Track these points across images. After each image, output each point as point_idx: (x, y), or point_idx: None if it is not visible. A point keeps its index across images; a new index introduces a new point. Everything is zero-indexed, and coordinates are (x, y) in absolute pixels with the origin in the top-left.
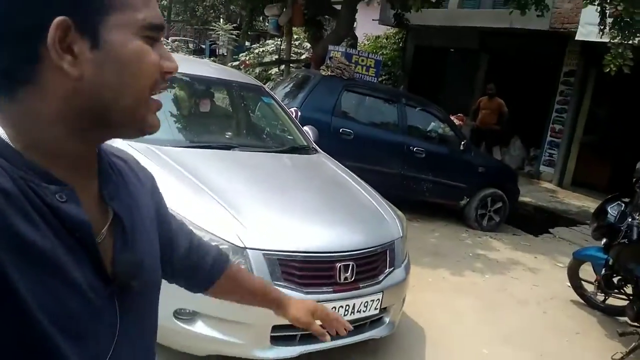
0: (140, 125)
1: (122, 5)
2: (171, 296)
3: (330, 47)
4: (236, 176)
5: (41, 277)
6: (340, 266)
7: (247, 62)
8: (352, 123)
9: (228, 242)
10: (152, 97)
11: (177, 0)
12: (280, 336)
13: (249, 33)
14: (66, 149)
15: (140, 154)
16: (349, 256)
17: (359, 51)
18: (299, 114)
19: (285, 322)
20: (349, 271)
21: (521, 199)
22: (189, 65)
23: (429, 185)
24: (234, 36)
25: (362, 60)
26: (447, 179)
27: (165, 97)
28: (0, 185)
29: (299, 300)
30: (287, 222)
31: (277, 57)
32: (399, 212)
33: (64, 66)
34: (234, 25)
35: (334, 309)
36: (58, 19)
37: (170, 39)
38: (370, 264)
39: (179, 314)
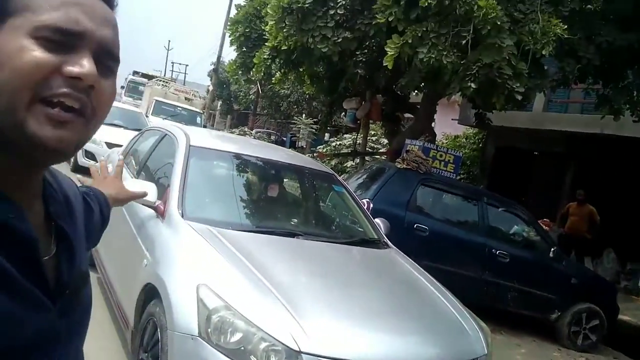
0: (20, 134)
1: (22, 9)
2: None
3: (407, 141)
4: (297, 268)
5: None
6: None
7: (324, 153)
8: (427, 219)
9: (281, 343)
10: (53, 108)
11: (264, 96)
12: None
13: (327, 127)
14: (3, 165)
15: (198, 235)
16: None
17: (437, 146)
18: (371, 205)
19: None
20: None
21: (620, 316)
22: (261, 149)
23: (514, 293)
24: (313, 130)
25: (441, 156)
26: (535, 288)
27: (231, 179)
28: None
29: (105, 183)
30: (350, 326)
31: (352, 149)
32: (483, 324)
33: None
34: (315, 120)
35: None
36: None
37: (254, 130)
38: None
39: None
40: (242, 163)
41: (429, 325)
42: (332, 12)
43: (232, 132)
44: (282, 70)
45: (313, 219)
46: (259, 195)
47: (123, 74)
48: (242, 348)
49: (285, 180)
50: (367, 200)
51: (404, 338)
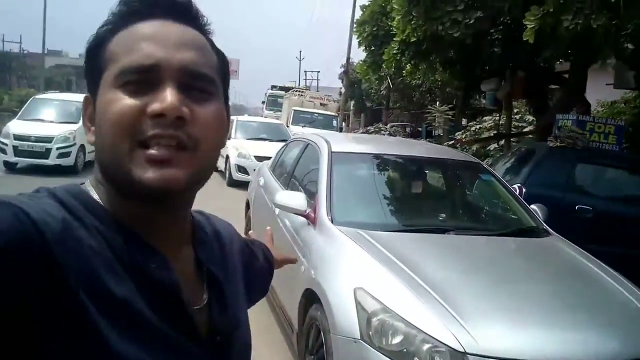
0: (129, 182)
1: (108, 62)
2: None
3: (559, 116)
4: (452, 264)
5: (133, 336)
6: None
7: (463, 139)
8: (591, 199)
9: (445, 344)
10: (151, 149)
11: (395, 89)
12: None
13: (465, 112)
14: (131, 209)
15: (350, 239)
16: None
17: (593, 118)
18: (524, 191)
19: None
20: None
21: None
22: (400, 146)
23: None
24: (449, 116)
25: (599, 127)
26: None
27: (374, 180)
28: (89, 244)
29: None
30: (516, 322)
31: (495, 132)
32: None
33: (88, 136)
34: (450, 106)
35: None
36: (83, 97)
37: (388, 124)
38: None
39: None
40: (383, 163)
41: (606, 317)
42: None
43: (367, 130)
44: (413, 62)
45: (462, 212)
46: (403, 193)
47: (262, 90)
48: (405, 350)
49: (428, 174)
50: (519, 185)
51: (580, 334)
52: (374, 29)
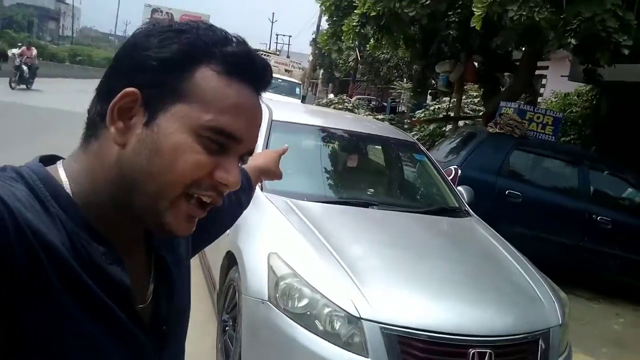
0: (157, 220)
1: (196, 100)
2: None
3: (502, 104)
4: (366, 237)
5: (96, 319)
6: (473, 353)
7: (417, 119)
8: (521, 185)
9: (342, 309)
10: (190, 202)
11: (364, 62)
12: None
13: (421, 91)
14: (111, 214)
15: (274, 207)
16: (486, 342)
17: (534, 108)
18: (459, 172)
19: None
20: (486, 358)
21: None
22: (343, 120)
23: (616, 261)
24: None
25: (538, 117)
26: None
27: (311, 152)
28: (56, 234)
29: (265, 155)
30: (415, 293)
31: (444, 114)
32: (562, 294)
33: (110, 129)
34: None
35: None
36: (129, 89)
37: (354, 97)
38: (515, 355)
39: None
40: (323, 135)
41: (502, 295)
42: None
43: (330, 100)
44: (375, 36)
45: (390, 189)
46: (338, 167)
47: None
48: (308, 313)
49: (365, 150)
50: (455, 167)
51: (471, 307)
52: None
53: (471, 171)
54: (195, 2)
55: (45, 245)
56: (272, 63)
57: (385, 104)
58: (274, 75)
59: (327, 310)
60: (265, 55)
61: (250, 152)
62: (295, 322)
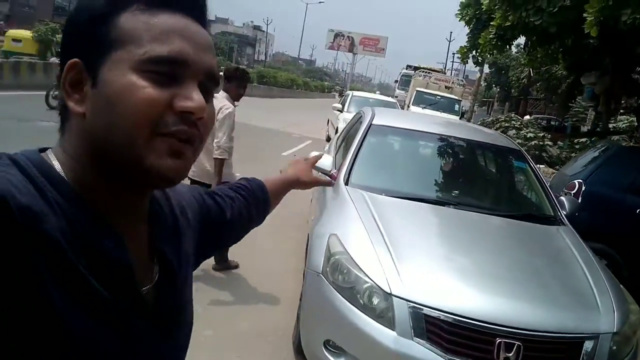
0: (140, 168)
1: (126, 42)
2: (322, 327)
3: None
4: (426, 229)
5: (88, 312)
6: (500, 342)
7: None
8: None
9: (376, 284)
10: (168, 140)
11: (540, 78)
12: None
13: (569, 104)
14: (103, 190)
15: (349, 197)
16: (515, 334)
17: None
18: (583, 187)
19: None
20: (513, 352)
21: None
22: (443, 126)
23: None
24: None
25: None
26: None
27: (402, 153)
28: (53, 220)
29: (296, 165)
30: (449, 279)
31: (588, 129)
32: (632, 307)
33: (69, 104)
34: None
35: None
36: (70, 61)
37: (526, 117)
38: (548, 352)
39: (328, 345)
40: (417, 138)
41: (548, 293)
42: None
43: (497, 118)
44: (527, 49)
45: (477, 191)
46: (426, 167)
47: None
48: (352, 287)
49: (462, 155)
50: (579, 181)
51: (507, 299)
52: (477, 12)
53: (597, 186)
54: (374, 26)
55: (41, 232)
56: (432, 80)
57: (566, 124)
58: (432, 92)
59: (366, 285)
60: (425, 73)
61: (211, 76)
62: (340, 294)
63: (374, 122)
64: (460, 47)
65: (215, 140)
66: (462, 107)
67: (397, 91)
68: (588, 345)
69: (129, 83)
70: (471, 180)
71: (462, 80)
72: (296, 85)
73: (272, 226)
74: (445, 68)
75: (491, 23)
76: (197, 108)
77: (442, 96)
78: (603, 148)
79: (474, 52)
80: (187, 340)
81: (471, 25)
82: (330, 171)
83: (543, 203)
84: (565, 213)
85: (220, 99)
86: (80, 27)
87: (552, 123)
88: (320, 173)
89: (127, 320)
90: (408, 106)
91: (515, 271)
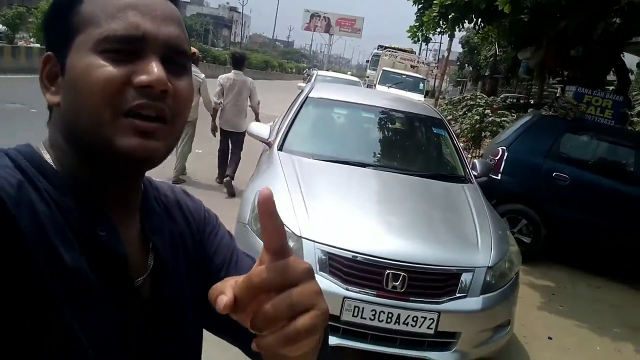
0: (108, 149)
1: (85, 25)
2: None
3: (567, 88)
4: (341, 185)
5: (81, 303)
6: (389, 273)
7: (495, 106)
8: (570, 168)
9: (289, 229)
10: (136, 119)
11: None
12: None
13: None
14: (89, 179)
15: (278, 160)
16: (400, 266)
17: (591, 91)
18: (506, 154)
19: None
20: (399, 281)
21: None
22: (375, 98)
23: None
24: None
25: (597, 101)
26: None
27: (334, 122)
28: (43, 210)
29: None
30: (353, 224)
31: (522, 101)
32: (512, 248)
33: (46, 96)
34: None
35: (373, 312)
36: (45, 54)
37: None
38: (428, 281)
39: None
40: (349, 109)
41: (436, 235)
42: None
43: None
44: (476, 27)
45: (396, 155)
46: (354, 135)
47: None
48: None
49: (387, 124)
50: (502, 148)
51: (399, 239)
52: None
53: (518, 152)
54: (349, 7)
55: (31, 222)
56: (398, 60)
57: (531, 101)
58: (398, 71)
59: None
60: (391, 52)
61: (176, 48)
62: (261, 240)
63: (310, 95)
64: (410, 26)
65: (252, 103)
66: (427, 85)
67: (368, 71)
68: (465, 277)
69: (87, 64)
70: (393, 146)
71: (425, 60)
72: (271, 67)
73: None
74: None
75: (434, 2)
76: (154, 81)
77: (407, 75)
78: (526, 118)
79: (422, 31)
80: (184, 346)
81: (419, 5)
82: (267, 139)
83: (456, 165)
84: (476, 174)
85: (243, 76)
86: (50, 20)
87: (521, 101)
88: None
89: (119, 314)
90: (375, 85)
91: (410, 217)
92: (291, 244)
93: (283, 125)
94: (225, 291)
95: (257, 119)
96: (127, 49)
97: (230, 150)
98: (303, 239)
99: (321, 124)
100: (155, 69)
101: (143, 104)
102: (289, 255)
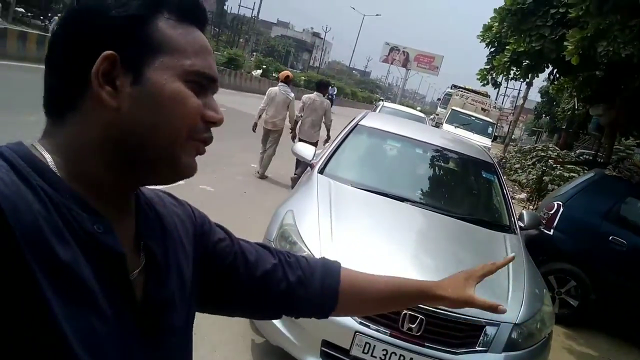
0: (173, 165)
1: (172, 50)
2: None
3: (637, 150)
4: (377, 216)
5: (74, 302)
6: (406, 314)
7: (562, 160)
8: (628, 233)
9: (309, 249)
10: (200, 145)
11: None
12: (332, 354)
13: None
14: (104, 182)
15: (315, 184)
16: (420, 309)
17: None
18: (561, 209)
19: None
20: (416, 323)
21: None
22: (427, 134)
23: None
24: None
25: None
26: None
27: (380, 152)
28: (38, 209)
29: (449, 279)
30: (376, 255)
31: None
32: (546, 308)
33: (102, 95)
34: None
35: (384, 352)
36: (106, 52)
37: (578, 150)
38: (447, 329)
39: None
40: (398, 142)
41: None
42: (553, 10)
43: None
44: (550, 77)
45: (439, 194)
46: (399, 168)
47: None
48: (292, 251)
49: (433, 160)
50: (558, 203)
51: (423, 279)
52: (497, 35)
53: (575, 210)
54: (429, 44)
55: (26, 219)
56: (469, 101)
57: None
58: (468, 112)
59: (303, 253)
60: (464, 92)
61: (214, 88)
62: None
63: (360, 123)
64: (480, 69)
65: (326, 121)
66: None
67: (439, 109)
68: (489, 330)
69: (179, 90)
70: (437, 184)
71: (497, 103)
72: (343, 94)
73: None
74: (497, 94)
75: (506, 47)
76: (220, 120)
77: (476, 117)
78: (588, 175)
79: (492, 75)
80: (176, 347)
81: (491, 48)
82: (310, 161)
83: (502, 212)
84: (522, 225)
85: (322, 98)
86: (112, 20)
87: (596, 158)
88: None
89: (113, 313)
90: (442, 124)
91: (439, 260)
92: None
93: (328, 149)
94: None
95: (328, 135)
96: (202, 84)
97: None
98: None
99: (367, 153)
100: (217, 108)
101: (209, 137)
102: None
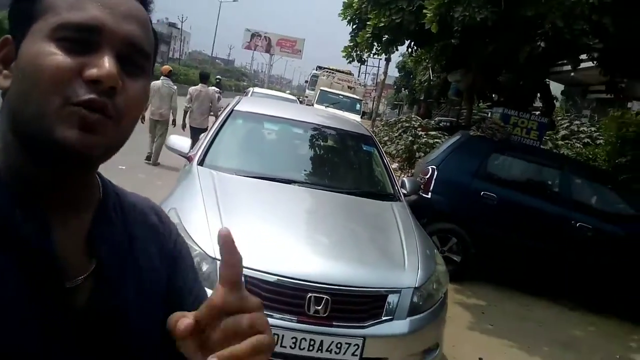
0: (49, 139)
1: (44, 12)
2: None
3: (494, 109)
4: (266, 203)
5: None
6: (311, 297)
7: (425, 126)
8: (497, 187)
9: (201, 249)
10: (78, 110)
11: (440, 81)
12: None
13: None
14: (32, 173)
15: (196, 176)
16: (323, 289)
17: (518, 112)
18: (435, 173)
19: None
20: (322, 305)
21: None
22: (303, 113)
23: (599, 271)
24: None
25: (522, 122)
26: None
27: (260, 136)
28: None
29: None
30: (273, 244)
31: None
32: (440, 267)
33: (0, 80)
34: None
35: (294, 340)
36: (2, 37)
37: (426, 120)
38: (353, 305)
39: None
40: (277, 124)
41: (360, 255)
42: None
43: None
44: (409, 50)
45: (325, 172)
46: (279, 150)
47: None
48: None
49: (314, 139)
50: (432, 167)
51: (322, 260)
52: (357, 11)
53: (447, 172)
54: (290, 28)
55: None
56: (335, 80)
57: (462, 123)
58: (336, 91)
59: (195, 253)
60: (329, 73)
61: (133, 46)
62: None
63: (235, 108)
64: (345, 46)
65: (213, 109)
66: (365, 106)
67: (307, 91)
68: (391, 298)
69: (39, 50)
70: (321, 162)
71: (358, 80)
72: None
73: None
74: (359, 72)
75: (367, 23)
76: (105, 76)
77: (344, 95)
78: (455, 138)
79: (357, 51)
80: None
81: (353, 25)
82: (187, 153)
83: (385, 182)
84: (405, 192)
85: (207, 88)
86: (14, 4)
87: (458, 123)
88: None
89: (46, 323)
90: (313, 105)
91: (335, 236)
92: (205, 266)
93: (205, 138)
94: (186, 315)
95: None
96: (81, 39)
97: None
98: (217, 261)
99: (246, 139)
100: (106, 64)
101: (93, 99)
102: (243, 289)
